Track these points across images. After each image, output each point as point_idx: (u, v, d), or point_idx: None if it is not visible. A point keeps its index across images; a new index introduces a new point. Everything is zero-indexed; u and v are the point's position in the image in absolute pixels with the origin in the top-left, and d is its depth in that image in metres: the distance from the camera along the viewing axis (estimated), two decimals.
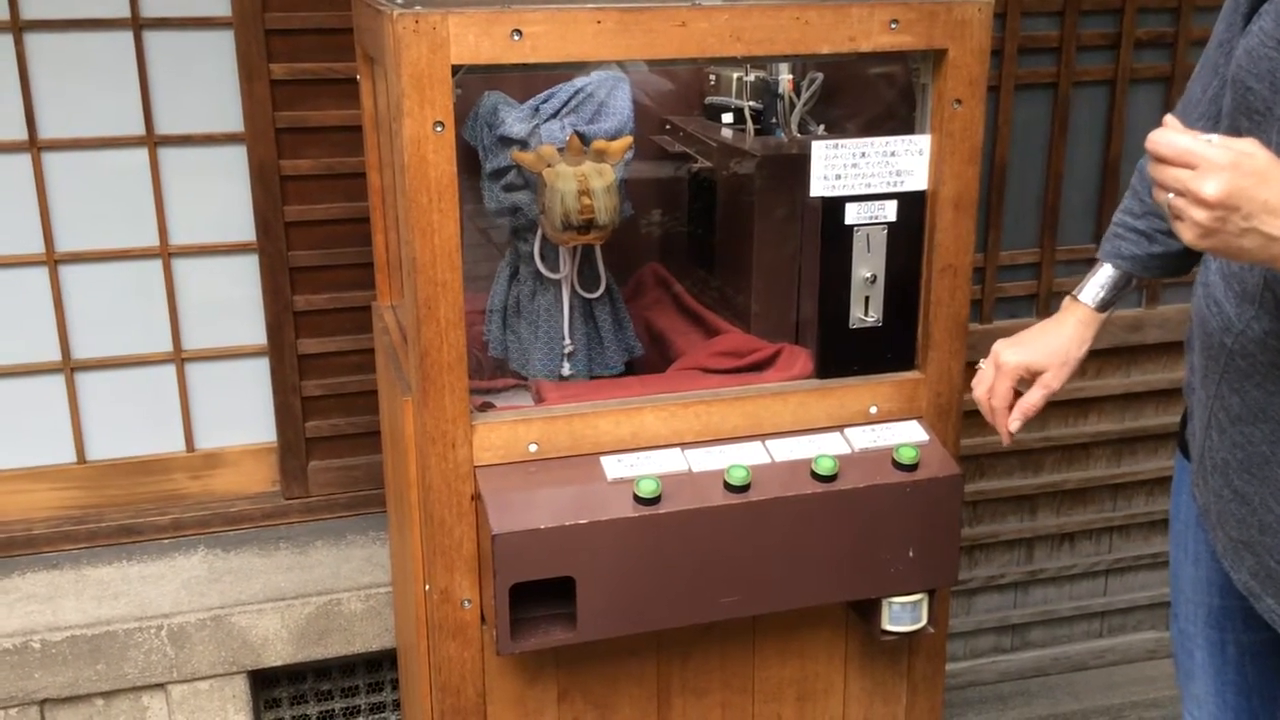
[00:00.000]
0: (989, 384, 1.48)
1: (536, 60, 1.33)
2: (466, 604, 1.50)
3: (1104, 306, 1.46)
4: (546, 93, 1.67)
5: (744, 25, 1.38)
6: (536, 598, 1.45)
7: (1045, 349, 1.46)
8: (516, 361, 1.73)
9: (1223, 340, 1.22)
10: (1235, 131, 1.19)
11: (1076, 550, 2.76)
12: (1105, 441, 2.67)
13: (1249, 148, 0.99)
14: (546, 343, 1.73)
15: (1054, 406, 2.61)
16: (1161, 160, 1.01)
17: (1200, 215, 0.99)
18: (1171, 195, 1.01)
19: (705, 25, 1.37)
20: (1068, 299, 1.49)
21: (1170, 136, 1.00)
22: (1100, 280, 1.46)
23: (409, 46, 1.29)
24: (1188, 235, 1.01)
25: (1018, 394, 1.48)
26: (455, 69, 1.32)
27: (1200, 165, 0.98)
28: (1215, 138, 1.00)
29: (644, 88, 1.99)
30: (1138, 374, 2.64)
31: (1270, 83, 1.09)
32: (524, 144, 1.59)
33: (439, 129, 1.32)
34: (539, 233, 1.64)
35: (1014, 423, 1.48)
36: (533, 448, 1.48)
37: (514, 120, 1.59)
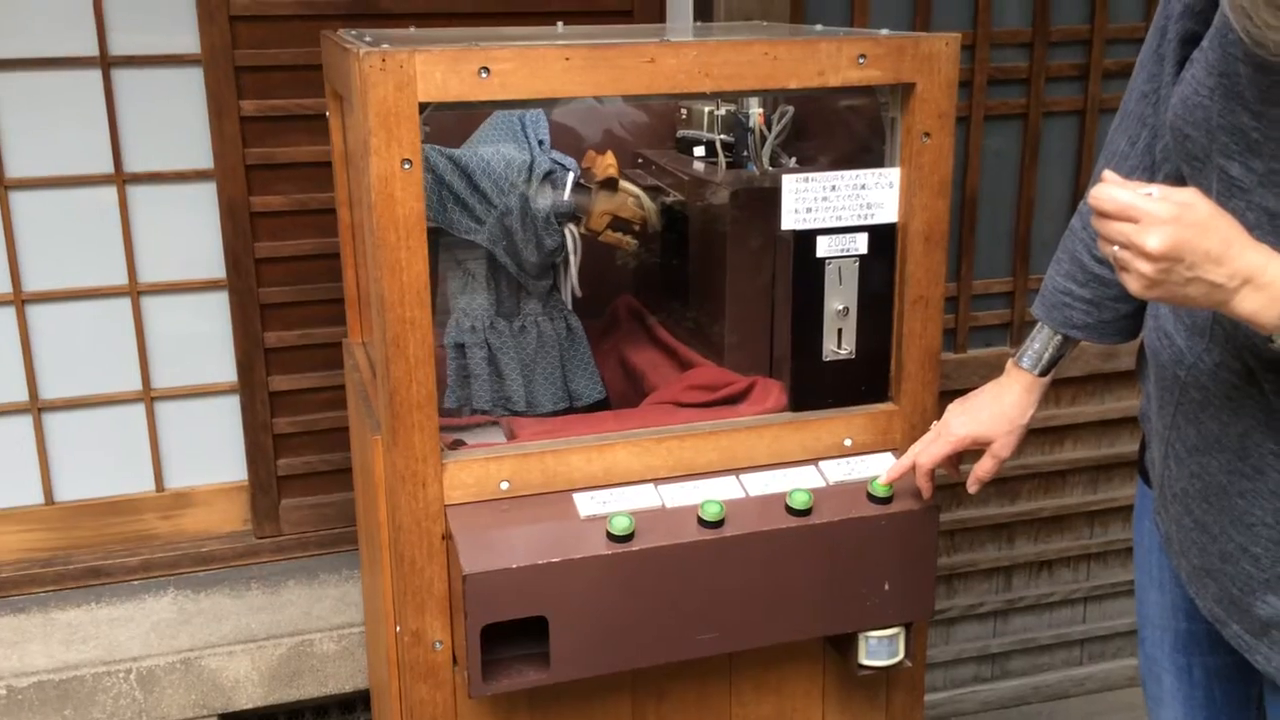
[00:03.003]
0: (926, 447, 1.50)
1: (505, 97, 1.33)
2: (438, 646, 1.48)
3: (1046, 371, 1.46)
4: (525, 125, 1.69)
5: (713, 61, 1.39)
6: (509, 638, 1.43)
7: (992, 418, 1.47)
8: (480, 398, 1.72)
9: (1175, 372, 1.22)
10: (1178, 179, 1.20)
11: (1055, 578, 2.76)
12: (1082, 468, 2.68)
13: (1189, 198, 1.01)
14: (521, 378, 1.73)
15: (1030, 434, 2.57)
16: (1104, 215, 1.02)
17: (1145, 268, 1.00)
18: (1116, 248, 1.02)
19: (674, 61, 1.37)
20: (1010, 364, 1.48)
21: (1112, 192, 1.02)
22: (1042, 347, 1.45)
23: (375, 85, 1.29)
24: (1134, 286, 1.03)
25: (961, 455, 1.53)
26: (423, 106, 1.31)
27: (1143, 219, 0.99)
28: (1156, 190, 1.01)
29: (616, 120, 2.00)
30: (1112, 400, 2.65)
31: (1206, 130, 1.11)
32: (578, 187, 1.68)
33: (406, 166, 1.31)
34: (569, 270, 1.71)
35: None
36: (504, 485, 1.46)
37: (565, 187, 1.66)
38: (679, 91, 1.39)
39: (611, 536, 1.42)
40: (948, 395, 2.45)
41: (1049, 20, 2.37)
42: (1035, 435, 2.62)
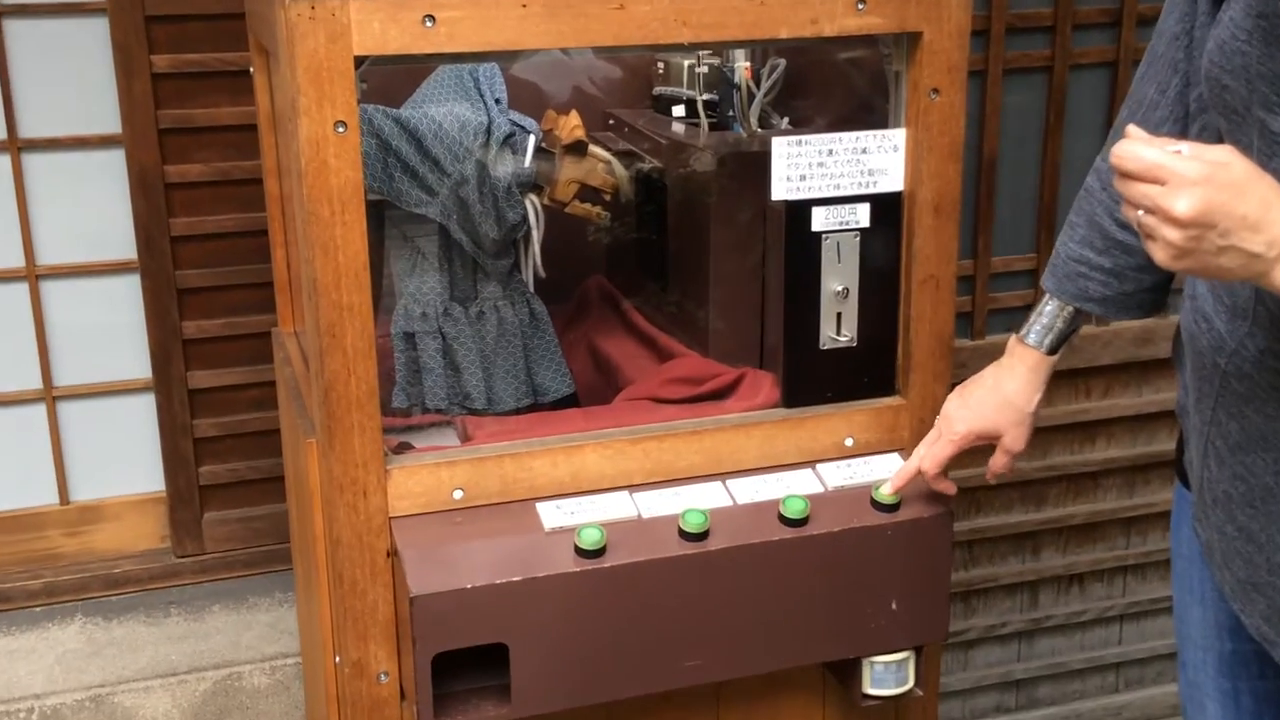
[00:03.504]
0: (929, 449, 1.51)
1: (453, 50, 1.33)
2: (383, 677, 1.48)
3: (1055, 349, 1.47)
4: (479, 81, 1.69)
5: (691, 8, 1.38)
6: (464, 668, 1.43)
7: (996, 409, 1.48)
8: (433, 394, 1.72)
9: (1215, 360, 1.23)
10: (1214, 132, 1.20)
11: (1086, 594, 2.78)
12: (1116, 470, 2.70)
13: (1224, 157, 1.01)
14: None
15: (1057, 431, 2.63)
16: (1128, 175, 1.02)
17: (1173, 234, 1.01)
18: (1141, 213, 1.02)
19: (646, 8, 1.37)
20: (1013, 340, 1.49)
21: (1136, 149, 1.02)
22: (1050, 320, 1.46)
23: (305, 36, 1.28)
24: (1160, 255, 1.03)
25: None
26: (359, 61, 1.31)
27: (1170, 180, 1.00)
28: (1186, 147, 1.01)
29: (584, 75, 1.99)
30: (1150, 392, 2.67)
31: (1245, 79, 1.11)
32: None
33: (341, 130, 1.31)
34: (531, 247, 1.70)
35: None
36: (458, 494, 1.46)
37: (526, 152, 1.66)
38: (652, 43, 1.39)
39: (580, 551, 1.42)
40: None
41: None
42: (1064, 432, 2.64)
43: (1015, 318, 2.57)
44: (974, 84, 2.39)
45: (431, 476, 1.45)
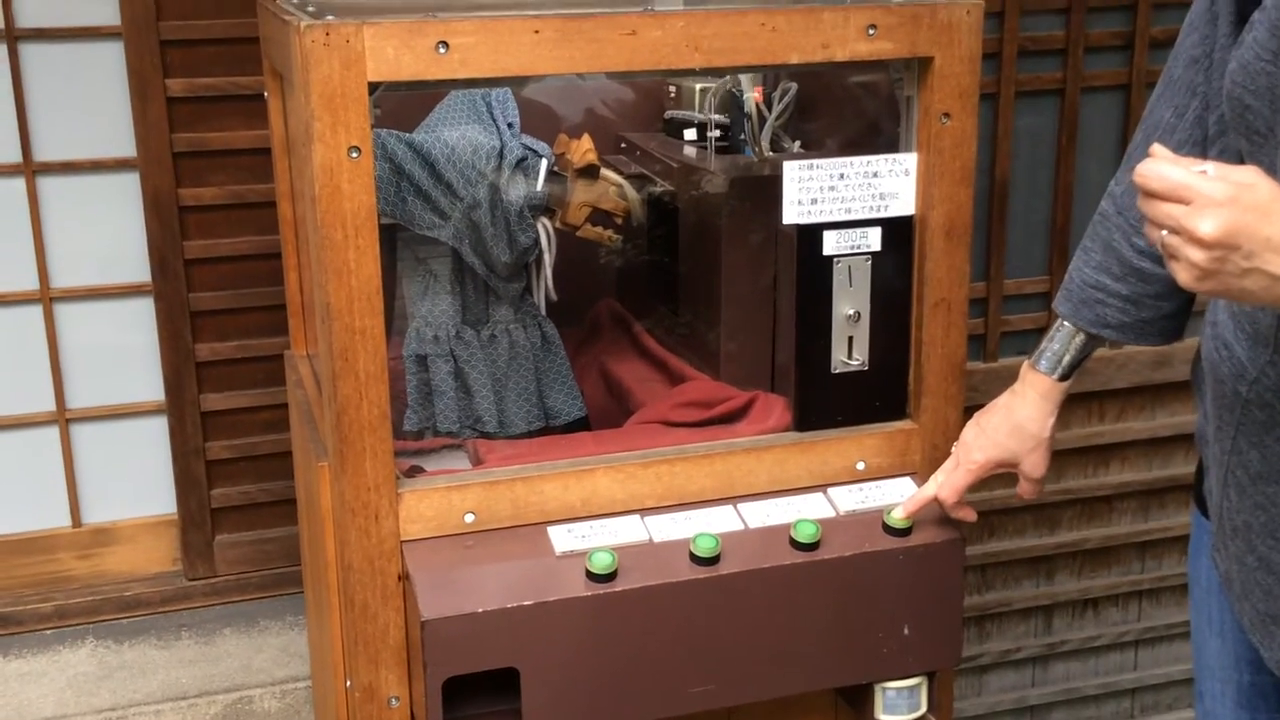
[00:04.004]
0: (948, 477, 1.51)
1: (466, 75, 1.34)
2: (394, 702, 1.49)
3: (1067, 375, 1.47)
4: (492, 105, 1.70)
5: (702, 33, 1.40)
6: (475, 693, 1.43)
7: (1010, 436, 1.48)
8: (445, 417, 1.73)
9: (1236, 388, 1.23)
10: (1234, 155, 1.20)
11: (1102, 618, 2.77)
12: (1131, 493, 2.69)
13: (1249, 178, 1.01)
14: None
15: (1071, 455, 2.63)
16: (1152, 195, 1.02)
17: (1197, 255, 1.00)
18: (1164, 233, 1.02)
19: (658, 34, 1.38)
20: (1025, 367, 1.49)
21: (1161, 168, 1.02)
22: (1062, 347, 1.46)
23: (319, 62, 1.29)
24: (1184, 276, 1.03)
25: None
26: (373, 86, 1.32)
27: (1195, 200, 1.00)
28: (1211, 167, 1.01)
29: (596, 99, 2.01)
30: (1165, 415, 2.67)
31: (1270, 100, 1.11)
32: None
33: (355, 155, 1.32)
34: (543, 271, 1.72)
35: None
36: (469, 518, 1.47)
37: (538, 176, 1.67)
38: (664, 68, 1.40)
39: (591, 576, 1.42)
40: (972, 410, 2.47)
41: None
42: (1077, 456, 2.64)
43: (1028, 340, 2.57)
44: (986, 106, 2.40)
45: (443, 500, 1.46)
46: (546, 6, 1.42)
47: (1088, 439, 2.63)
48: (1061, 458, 2.63)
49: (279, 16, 1.53)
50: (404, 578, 1.45)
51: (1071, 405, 2.58)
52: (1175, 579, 2.76)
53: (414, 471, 1.52)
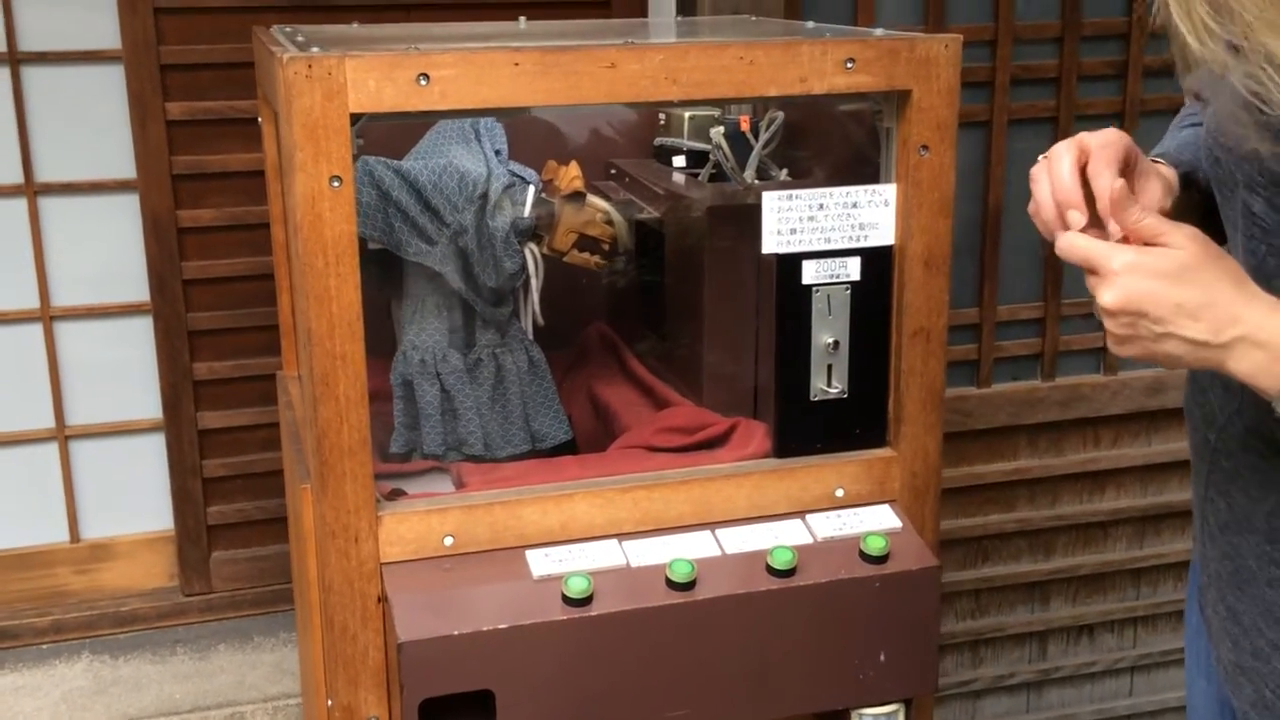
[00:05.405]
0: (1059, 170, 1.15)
1: (447, 107, 1.36)
2: None
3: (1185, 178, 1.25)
4: (480, 133, 1.73)
5: (680, 66, 1.42)
6: (452, 714, 1.45)
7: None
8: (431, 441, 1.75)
9: (1206, 435, 1.23)
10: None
11: (1096, 644, 2.78)
12: (1126, 519, 2.70)
13: (1175, 241, 1.02)
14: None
15: (1067, 480, 2.64)
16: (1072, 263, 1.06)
17: (1108, 323, 1.04)
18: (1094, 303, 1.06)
19: (637, 67, 1.41)
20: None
21: (1072, 239, 1.06)
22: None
23: (301, 94, 1.32)
24: (1109, 342, 1.06)
25: None
26: (355, 118, 1.35)
27: (1099, 270, 1.03)
28: (1151, 220, 1.03)
29: (587, 125, 2.03)
30: (1160, 442, 2.68)
31: (1236, 155, 1.11)
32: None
33: (336, 184, 1.35)
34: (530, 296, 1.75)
35: (1134, 214, 1.07)
36: (448, 541, 1.49)
37: (525, 203, 1.69)
38: (643, 100, 1.43)
39: (567, 600, 1.43)
40: (966, 436, 2.52)
41: (1080, 12, 2.41)
42: (1072, 481, 2.65)
43: (1021, 366, 2.59)
44: (979, 133, 2.43)
45: (422, 523, 1.48)
46: (531, 37, 1.45)
47: (1083, 465, 2.64)
48: (1056, 483, 2.64)
49: (267, 47, 1.56)
50: (383, 599, 1.47)
51: (1067, 431, 2.62)
52: (1171, 605, 2.77)
53: (395, 494, 1.54)
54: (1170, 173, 1.26)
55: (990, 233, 2.49)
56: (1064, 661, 2.75)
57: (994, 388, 2.55)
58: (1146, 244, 1.05)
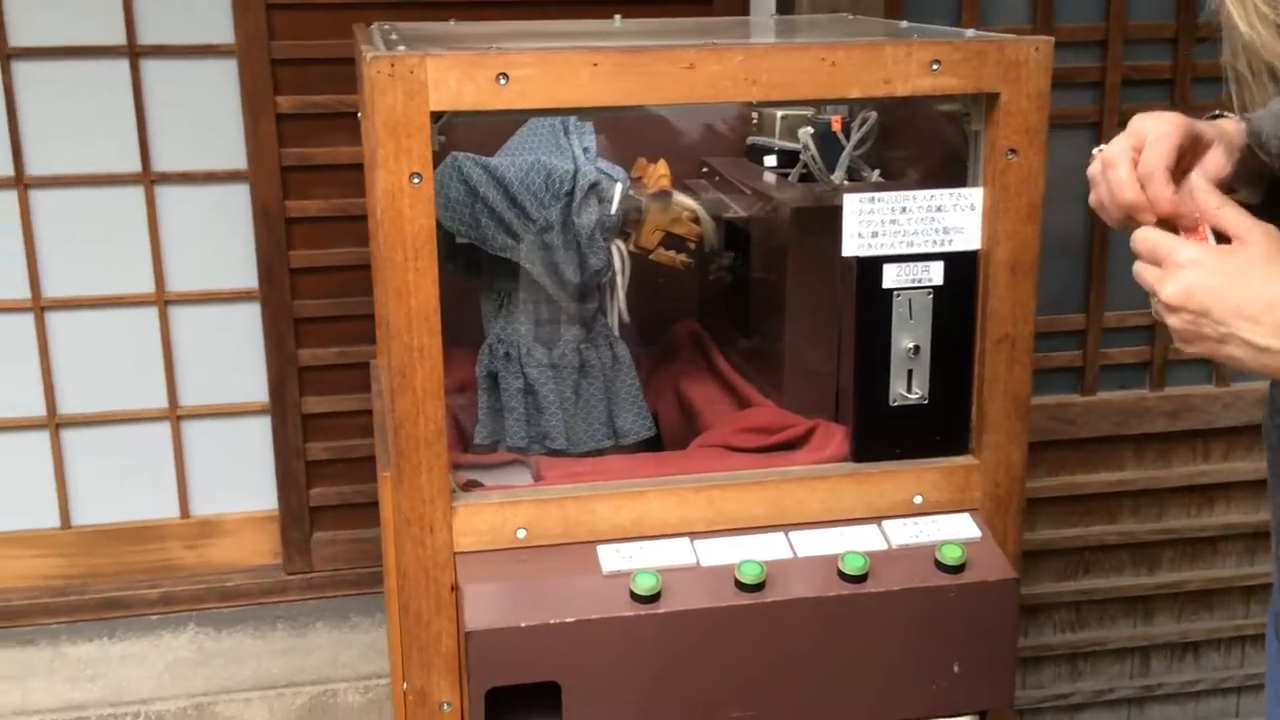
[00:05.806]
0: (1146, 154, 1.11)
1: (525, 106, 1.38)
2: (445, 707, 1.53)
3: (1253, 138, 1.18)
4: (569, 130, 1.75)
5: (761, 67, 1.41)
6: (522, 703, 1.47)
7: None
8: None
9: None
10: None
11: (1202, 663, 2.69)
12: (1235, 535, 2.61)
13: (1246, 237, 1.00)
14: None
15: (1174, 494, 2.57)
16: (1138, 257, 1.04)
17: (1169, 319, 1.02)
18: (1154, 299, 1.04)
19: (716, 67, 1.40)
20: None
21: (1145, 232, 1.03)
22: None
23: (384, 92, 1.35)
24: (1174, 338, 1.04)
25: None
26: (436, 116, 1.37)
27: (1164, 263, 1.01)
28: (1228, 210, 1.00)
29: (683, 124, 2.04)
30: None
31: None
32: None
33: (416, 181, 1.37)
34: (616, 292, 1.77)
35: (1204, 194, 1.06)
36: (521, 533, 1.51)
37: (612, 200, 1.71)
38: (723, 100, 1.42)
39: (634, 596, 1.45)
40: (1068, 445, 2.46)
41: (1194, 13, 2.33)
42: (1180, 495, 2.57)
43: (1129, 375, 2.52)
44: (1089, 134, 2.36)
45: (496, 515, 1.50)
46: (618, 37, 1.46)
47: (1191, 478, 2.56)
48: (1163, 496, 2.57)
49: (359, 44, 1.60)
50: (455, 588, 1.50)
51: (1175, 443, 2.54)
52: None
53: (470, 485, 1.56)
54: (1236, 129, 1.18)
55: (1098, 236, 2.42)
56: (1167, 679, 2.68)
57: (1099, 395, 2.49)
58: (1219, 236, 1.03)
